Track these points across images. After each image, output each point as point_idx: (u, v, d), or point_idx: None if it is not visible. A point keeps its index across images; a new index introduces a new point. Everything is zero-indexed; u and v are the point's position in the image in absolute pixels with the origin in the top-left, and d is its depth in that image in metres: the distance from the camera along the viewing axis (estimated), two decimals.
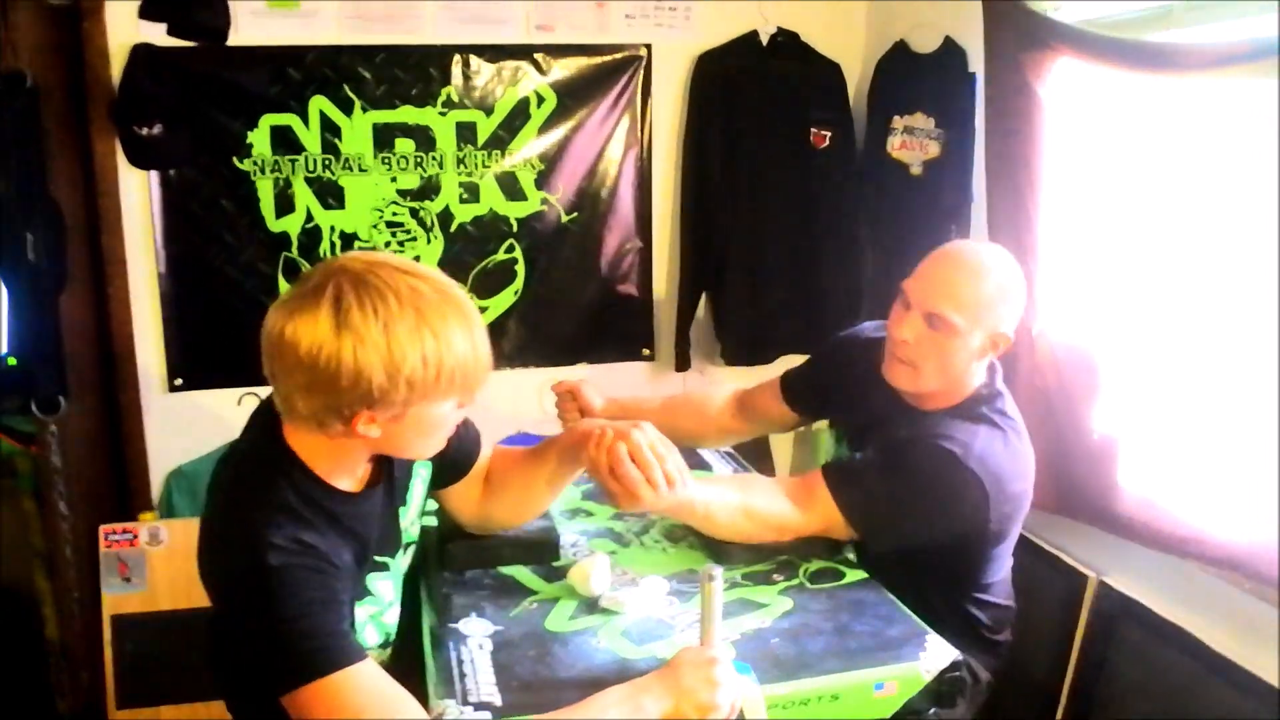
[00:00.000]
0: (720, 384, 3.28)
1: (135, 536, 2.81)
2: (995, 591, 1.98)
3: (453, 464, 1.66)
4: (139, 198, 2.90)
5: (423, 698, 1.42)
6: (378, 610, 1.48)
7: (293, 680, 1.26)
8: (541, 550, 1.81)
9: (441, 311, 1.29)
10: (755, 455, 3.12)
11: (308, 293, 1.26)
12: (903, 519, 1.78)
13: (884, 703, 1.49)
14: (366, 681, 1.29)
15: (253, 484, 1.36)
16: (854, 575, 1.78)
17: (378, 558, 1.49)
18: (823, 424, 2.39)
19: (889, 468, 1.78)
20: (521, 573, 1.77)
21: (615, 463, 1.54)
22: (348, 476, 1.42)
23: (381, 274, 1.27)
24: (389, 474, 1.50)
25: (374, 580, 1.48)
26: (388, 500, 1.51)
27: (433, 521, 1.83)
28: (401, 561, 1.56)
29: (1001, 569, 1.98)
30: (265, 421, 1.39)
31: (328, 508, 1.37)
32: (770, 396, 2.23)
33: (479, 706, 1.37)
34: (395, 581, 1.53)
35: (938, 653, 1.53)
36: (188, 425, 3.01)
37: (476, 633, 1.56)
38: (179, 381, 3.02)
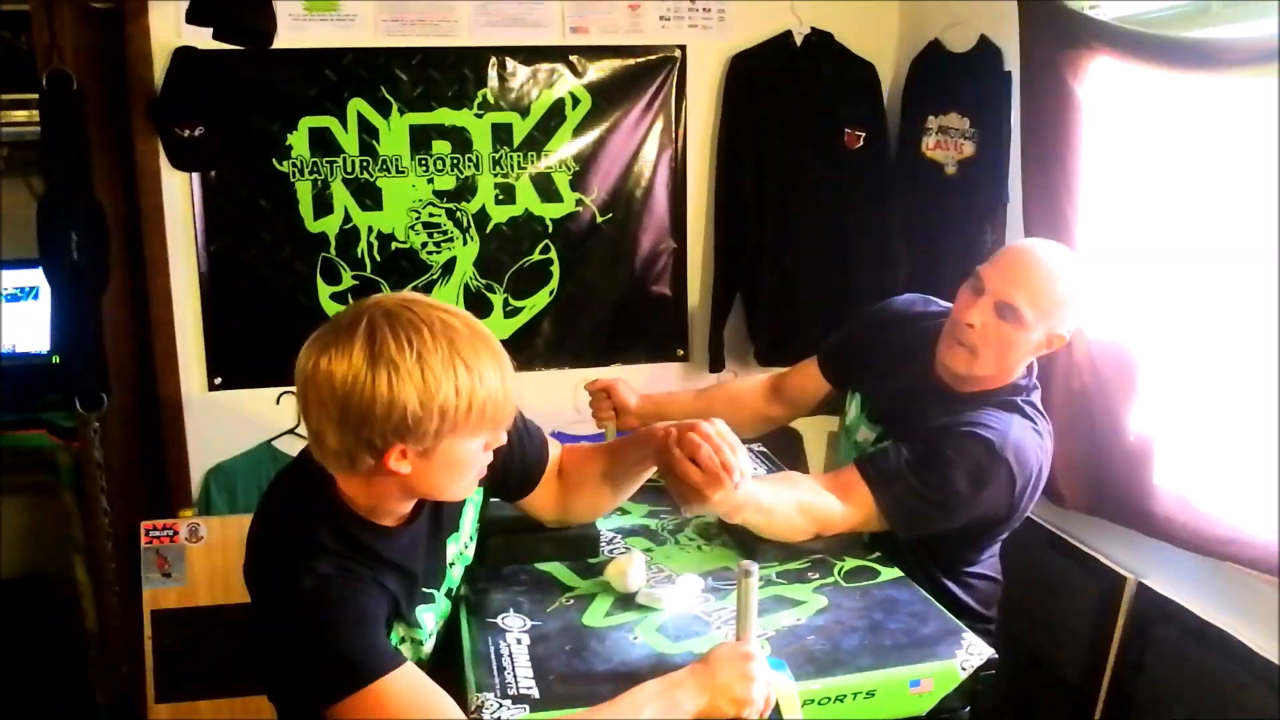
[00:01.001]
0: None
1: (175, 532, 2.84)
2: (985, 567, 2.03)
3: (522, 479, 1.69)
4: (180, 198, 2.94)
5: (461, 691, 1.44)
6: (420, 640, 1.51)
7: (332, 695, 1.29)
8: (580, 547, 1.82)
9: (474, 346, 1.32)
10: (789, 455, 3.13)
11: (342, 329, 1.29)
12: (938, 511, 1.81)
13: (920, 699, 1.49)
14: (403, 687, 1.31)
15: (292, 525, 1.39)
16: (888, 574, 1.78)
17: (425, 589, 1.51)
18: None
19: (925, 463, 1.80)
20: (558, 569, 1.79)
21: (693, 450, 1.53)
22: (392, 515, 1.44)
23: (415, 309, 1.30)
24: (434, 506, 1.51)
25: (421, 612, 1.50)
26: (434, 531, 1.53)
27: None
28: (442, 602, 1.57)
29: (994, 547, 2.03)
30: (313, 476, 1.41)
31: (368, 543, 1.39)
32: (805, 373, 2.27)
33: (517, 700, 1.38)
34: (438, 613, 1.55)
35: (974, 650, 1.52)
36: (227, 423, 3.05)
37: (514, 627, 1.58)
38: (219, 380, 3.05)
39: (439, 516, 1.53)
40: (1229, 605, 2.05)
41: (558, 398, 3.16)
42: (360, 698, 1.28)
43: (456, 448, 1.34)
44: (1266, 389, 1.91)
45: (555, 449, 1.75)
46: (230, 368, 3.06)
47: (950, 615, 1.64)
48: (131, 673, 2.83)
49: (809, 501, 1.80)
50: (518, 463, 1.64)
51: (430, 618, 1.52)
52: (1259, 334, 1.94)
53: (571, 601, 1.67)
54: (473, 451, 1.37)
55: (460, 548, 1.61)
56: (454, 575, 1.62)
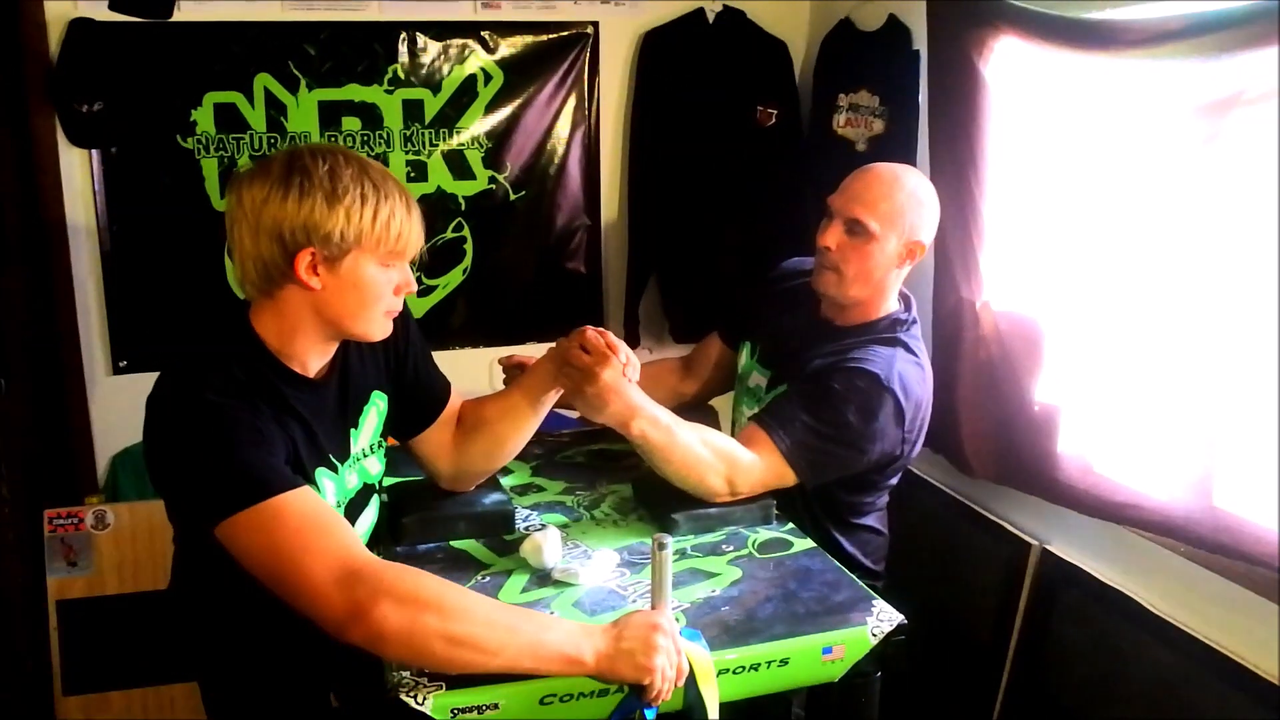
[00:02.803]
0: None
1: (81, 520, 2.77)
2: (874, 519, 2.14)
3: (424, 402, 1.77)
4: (80, 175, 2.85)
5: (378, 669, 1.43)
6: None
7: (226, 507, 1.33)
8: (495, 523, 1.82)
9: (383, 175, 1.46)
10: None
11: (267, 160, 1.44)
12: (837, 448, 1.89)
13: (832, 666, 1.52)
14: (297, 508, 1.35)
15: (204, 357, 1.46)
16: (801, 545, 1.81)
17: (327, 454, 1.55)
18: None
19: (815, 399, 1.90)
20: (474, 546, 1.78)
21: (580, 337, 1.72)
22: (302, 360, 1.51)
23: (335, 146, 1.47)
24: (344, 376, 1.59)
25: (321, 475, 1.53)
26: (340, 405, 1.59)
27: (383, 498, 1.83)
28: (348, 478, 1.61)
29: (884, 497, 2.14)
30: (229, 314, 1.52)
31: (275, 384, 1.46)
32: (709, 344, 2.39)
33: (434, 677, 1.38)
34: (339, 487, 1.58)
35: (883, 616, 1.56)
36: (133, 407, 2.92)
37: None
38: (123, 363, 2.97)
39: (345, 396, 1.60)
40: (1128, 568, 2.12)
41: (474, 376, 3.12)
42: (253, 514, 1.32)
43: (362, 266, 1.44)
44: (1166, 357, 1.97)
45: (456, 400, 1.83)
46: (135, 350, 2.98)
47: (862, 584, 1.68)
48: (37, 667, 2.75)
49: (715, 438, 1.85)
50: (424, 385, 1.76)
51: (330, 486, 1.55)
52: (1159, 303, 2.00)
53: (487, 579, 1.67)
54: (379, 280, 1.47)
55: (364, 446, 1.66)
56: (367, 468, 1.67)
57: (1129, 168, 2.06)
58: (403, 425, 1.77)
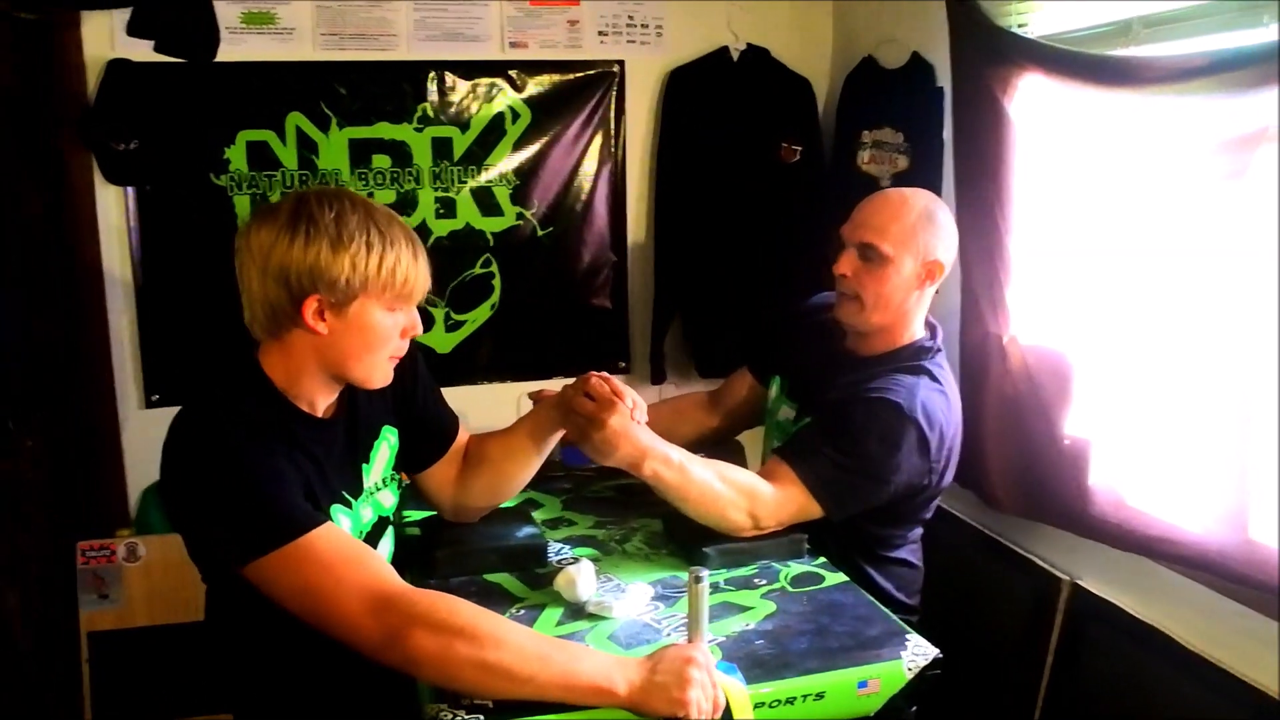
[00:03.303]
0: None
1: (112, 552, 2.79)
2: (907, 552, 2.12)
3: (431, 437, 1.81)
4: (115, 212, 2.90)
5: (416, 703, 1.44)
6: None
7: (255, 549, 1.36)
8: (528, 557, 1.84)
9: (389, 220, 1.49)
10: None
11: (276, 205, 1.48)
12: (860, 479, 1.87)
13: (868, 700, 1.52)
14: (327, 545, 1.38)
15: (218, 395, 1.49)
16: (833, 579, 1.82)
17: (341, 490, 1.57)
18: None
19: (837, 430, 1.89)
20: (507, 579, 1.79)
21: (585, 384, 1.75)
22: (309, 400, 1.53)
23: (342, 191, 1.50)
24: (352, 413, 1.62)
25: (336, 511, 1.54)
26: (349, 441, 1.62)
27: (416, 532, 1.85)
28: (363, 512, 1.63)
29: (917, 530, 2.11)
30: (241, 354, 1.54)
31: (287, 425, 1.49)
32: (737, 379, 2.40)
33: (471, 710, 1.38)
34: (355, 523, 1.60)
35: (919, 650, 1.56)
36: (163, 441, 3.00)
37: None
38: (155, 397, 3.00)
39: (354, 433, 1.63)
40: (1161, 603, 2.11)
41: (501, 411, 3.13)
42: (282, 554, 1.35)
43: (369, 312, 1.47)
44: (1198, 390, 1.97)
45: (463, 435, 1.86)
46: (167, 384, 3.01)
47: (895, 618, 1.68)
48: (69, 697, 2.77)
49: (734, 473, 1.86)
50: (431, 420, 1.80)
51: (346, 522, 1.56)
52: (1189, 337, 2.00)
53: (522, 611, 1.68)
54: (385, 324, 1.50)
55: (377, 480, 1.68)
56: (381, 501, 1.69)
57: (1155, 203, 2.06)
58: (409, 459, 1.80)
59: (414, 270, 1.49)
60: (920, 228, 1.98)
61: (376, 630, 1.34)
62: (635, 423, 1.75)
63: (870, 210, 2.01)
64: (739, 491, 1.83)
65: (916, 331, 2.06)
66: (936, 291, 2.09)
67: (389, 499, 1.72)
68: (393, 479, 1.75)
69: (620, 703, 1.36)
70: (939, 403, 1.94)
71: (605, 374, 1.78)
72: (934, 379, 1.98)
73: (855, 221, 2.02)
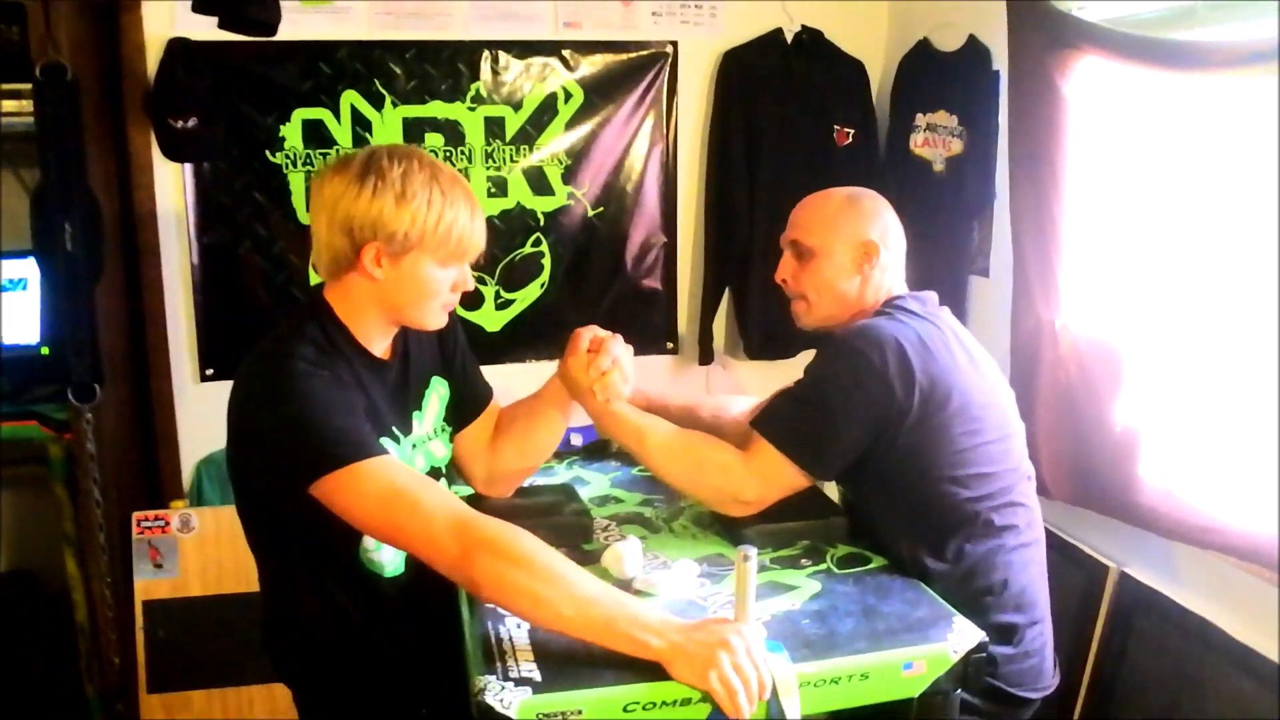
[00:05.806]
0: (743, 379, 3.34)
1: (167, 523, 2.85)
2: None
3: (471, 398, 1.87)
4: (173, 190, 2.95)
5: (463, 675, 1.46)
6: None
7: (322, 467, 1.42)
8: (574, 533, 1.85)
9: (454, 181, 1.56)
10: None
11: (351, 156, 1.55)
12: (822, 422, 1.78)
13: (912, 682, 1.52)
14: (399, 467, 1.48)
15: (287, 326, 1.58)
16: (879, 561, 1.81)
17: (390, 425, 1.63)
18: None
19: (795, 385, 1.86)
20: None
21: (578, 337, 1.84)
22: (367, 339, 1.61)
23: (413, 149, 1.58)
24: (405, 360, 1.68)
25: (384, 442, 1.58)
26: (402, 383, 1.69)
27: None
28: (416, 460, 1.69)
29: (963, 516, 1.85)
30: (310, 292, 1.66)
31: (344, 349, 1.57)
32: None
33: (519, 683, 1.40)
34: (400, 455, 1.64)
35: (964, 634, 1.56)
36: (218, 415, 3.00)
37: None
38: (210, 371, 3.06)
39: (406, 378, 1.70)
40: (1210, 593, 2.09)
41: None
42: (356, 471, 1.43)
43: (422, 264, 1.54)
44: (1250, 380, 1.95)
45: (495, 405, 1.92)
46: (222, 359, 3.06)
47: (942, 600, 1.67)
48: (123, 664, 2.83)
49: (709, 453, 1.86)
50: (469, 382, 1.86)
51: (393, 450, 1.61)
52: (1243, 326, 1.98)
53: None
54: (437, 278, 1.57)
55: (429, 430, 1.75)
56: (433, 451, 1.76)
57: (1214, 188, 2.04)
58: (453, 412, 1.85)
59: (470, 231, 1.56)
60: (842, 214, 1.96)
61: (453, 547, 1.41)
62: (617, 398, 1.82)
63: (795, 213, 2.02)
64: (716, 470, 1.84)
65: (870, 304, 1.95)
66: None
67: (441, 450, 1.78)
68: (444, 429, 1.80)
69: (653, 655, 1.38)
70: (880, 323, 1.82)
71: (592, 325, 1.88)
72: (892, 318, 1.85)
73: (786, 227, 2.03)
